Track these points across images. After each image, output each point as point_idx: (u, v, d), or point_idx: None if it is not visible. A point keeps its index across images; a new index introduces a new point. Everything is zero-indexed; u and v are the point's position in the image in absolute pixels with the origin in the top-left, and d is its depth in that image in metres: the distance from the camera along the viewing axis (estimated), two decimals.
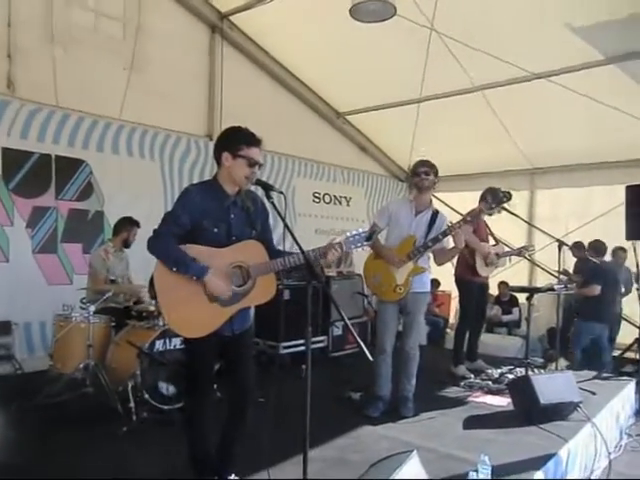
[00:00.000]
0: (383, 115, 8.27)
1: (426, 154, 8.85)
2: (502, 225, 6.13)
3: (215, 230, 2.58)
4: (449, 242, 4.22)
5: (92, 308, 4.23)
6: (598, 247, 6.33)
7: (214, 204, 2.60)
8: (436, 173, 4.25)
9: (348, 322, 2.40)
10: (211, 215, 2.58)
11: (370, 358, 2.31)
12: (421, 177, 4.19)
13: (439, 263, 4.39)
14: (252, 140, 2.59)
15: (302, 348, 5.29)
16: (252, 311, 2.91)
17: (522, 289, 7.10)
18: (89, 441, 3.57)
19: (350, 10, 4.97)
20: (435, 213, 4.30)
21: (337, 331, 6.33)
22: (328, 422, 3.72)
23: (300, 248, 2.48)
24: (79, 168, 5.76)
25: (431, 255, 4.33)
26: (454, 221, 4.20)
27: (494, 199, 4.70)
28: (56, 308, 4.76)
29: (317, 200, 8.54)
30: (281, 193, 2.60)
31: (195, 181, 6.59)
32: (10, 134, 5.26)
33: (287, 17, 6.43)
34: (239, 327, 2.71)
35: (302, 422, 2.38)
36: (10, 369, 5.10)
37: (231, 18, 6.94)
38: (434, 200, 9.02)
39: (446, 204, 8.91)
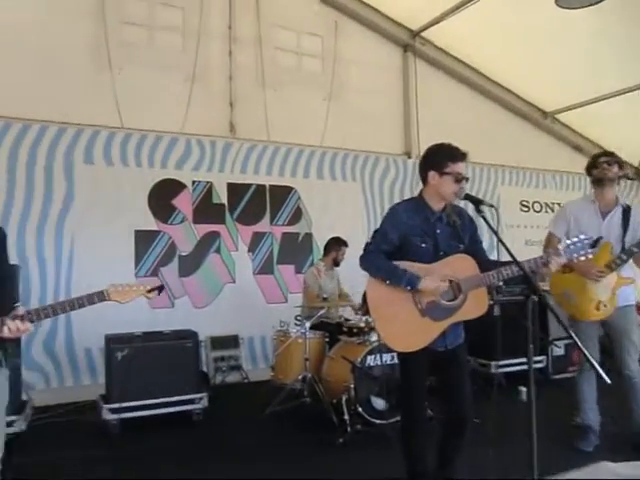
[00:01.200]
0: (602, 108, 7.35)
1: None
2: None
3: (423, 245, 2.60)
4: None
5: (308, 324, 4.50)
6: None
7: (420, 220, 2.63)
8: (620, 164, 3.53)
9: (578, 341, 2.20)
10: (418, 231, 2.61)
11: (607, 381, 2.10)
12: (602, 167, 3.50)
13: None
14: (457, 155, 2.58)
15: (518, 368, 4.84)
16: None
17: None
18: (312, 447, 3.79)
19: None
20: (627, 209, 3.53)
21: (558, 351, 5.64)
22: (555, 451, 3.28)
23: (515, 260, 2.35)
24: (289, 195, 6.34)
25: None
26: None
27: None
28: (274, 324, 5.14)
29: (525, 209, 7.94)
30: (492, 206, 2.51)
31: (395, 199, 6.88)
32: (233, 171, 6.05)
33: (481, 22, 6.22)
34: (452, 342, 2.67)
35: (529, 447, 2.15)
36: (239, 378, 5.72)
37: (422, 34, 6.99)
38: None
39: None
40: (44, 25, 5.15)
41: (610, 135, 8.30)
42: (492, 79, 7.60)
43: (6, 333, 1.87)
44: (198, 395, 4.35)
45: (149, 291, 2.19)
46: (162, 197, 5.67)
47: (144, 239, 5.57)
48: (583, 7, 4.63)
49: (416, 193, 2.85)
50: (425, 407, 2.72)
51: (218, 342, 5.67)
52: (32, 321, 1.92)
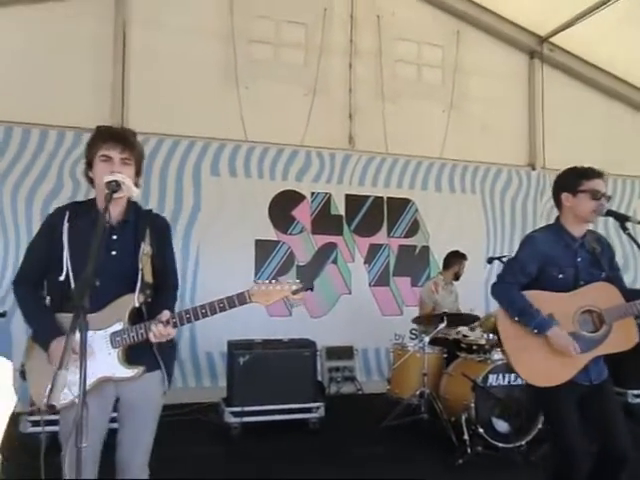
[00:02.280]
0: None
1: None
2: None
3: (560, 276, 2.45)
4: None
5: (427, 339, 4.40)
6: None
7: (560, 249, 2.48)
8: None
9: None
10: (557, 261, 2.46)
11: None
12: None
13: None
14: (591, 173, 2.45)
15: None
16: None
17: None
18: (429, 465, 3.70)
19: None
20: None
21: None
22: None
23: None
24: (407, 207, 6.28)
25: None
26: None
27: None
28: (389, 337, 5.11)
29: None
30: (639, 223, 2.34)
31: (517, 212, 6.57)
32: (351, 182, 6.12)
33: (614, 24, 5.84)
34: (597, 377, 2.43)
35: None
36: (353, 389, 5.71)
37: (552, 40, 6.66)
38: None
39: None
40: (179, 47, 5.57)
41: None
42: (629, 82, 7.06)
43: (152, 338, 1.91)
44: (315, 404, 4.41)
45: (295, 292, 1.96)
46: (282, 208, 5.88)
47: (264, 248, 5.79)
48: None
49: (540, 206, 2.69)
50: (585, 443, 2.38)
51: (333, 352, 5.72)
52: (175, 325, 1.92)
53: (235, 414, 4.20)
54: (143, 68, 5.51)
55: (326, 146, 6.03)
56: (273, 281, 1.96)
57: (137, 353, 1.95)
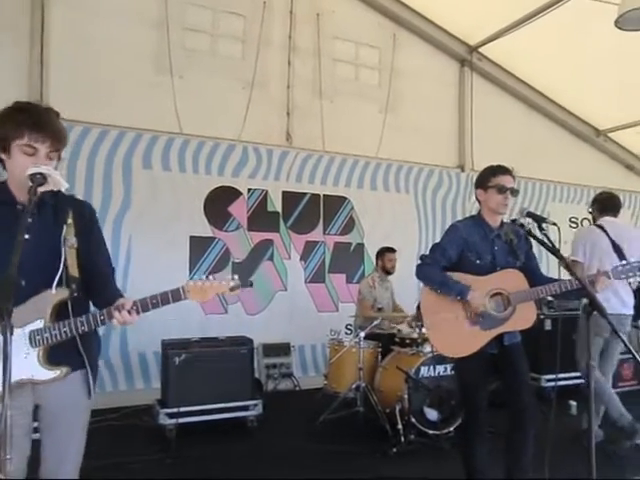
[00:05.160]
0: None
1: None
2: None
3: (478, 262, 2.74)
4: None
5: (362, 334, 4.49)
6: None
7: (479, 238, 2.78)
8: None
9: (638, 357, 2.29)
10: (476, 248, 2.76)
11: None
12: None
13: None
14: (498, 170, 2.76)
15: (569, 382, 4.73)
16: None
17: None
18: (366, 456, 3.79)
19: (616, 21, 4.55)
20: None
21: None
22: (609, 465, 3.32)
23: (575, 276, 2.47)
24: (343, 205, 6.37)
25: None
26: None
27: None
28: (324, 333, 5.16)
29: (574, 225, 7.76)
30: (554, 224, 2.60)
31: (448, 211, 6.85)
32: (288, 179, 6.11)
33: (538, 40, 6.22)
34: (509, 340, 2.77)
35: (587, 459, 2.20)
36: (290, 385, 5.74)
37: (480, 50, 6.99)
38: None
39: None
40: (108, 31, 5.29)
41: None
42: (546, 95, 7.57)
43: (114, 323, 1.76)
44: (253, 402, 4.38)
45: (232, 289, 1.86)
46: (218, 204, 5.77)
47: (199, 245, 5.66)
48: None
49: (468, 206, 2.99)
50: (485, 409, 2.75)
51: (270, 349, 5.71)
52: (138, 313, 1.78)
53: (170, 415, 4.08)
54: (66, 49, 5.13)
55: (263, 142, 5.98)
56: (210, 277, 1.86)
57: (60, 352, 1.76)
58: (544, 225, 2.62)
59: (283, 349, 5.78)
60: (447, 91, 7.07)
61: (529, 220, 2.69)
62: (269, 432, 4.30)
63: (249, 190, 5.92)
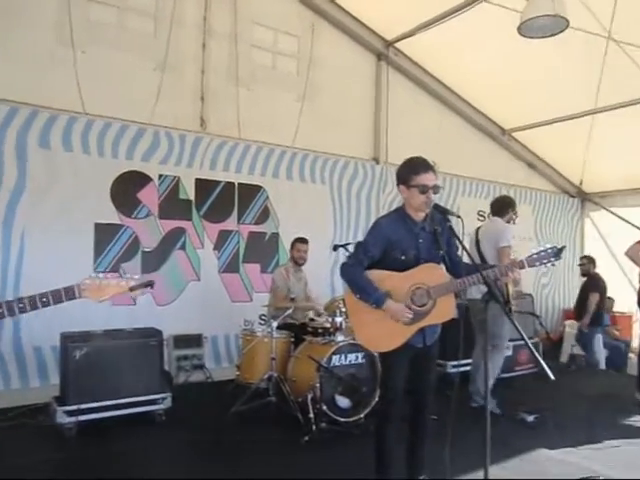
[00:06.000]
0: (553, 130, 7.86)
1: (602, 167, 8.24)
2: None
3: (403, 258, 2.77)
4: None
5: (275, 324, 4.48)
6: None
7: (403, 233, 2.79)
8: None
9: (529, 342, 2.43)
10: (400, 244, 2.77)
11: (552, 377, 2.35)
12: None
13: None
14: (419, 168, 2.73)
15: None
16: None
17: None
18: (277, 446, 3.81)
19: (519, 28, 4.87)
20: None
21: (507, 352, 5.94)
22: (500, 443, 3.54)
23: (477, 268, 2.59)
24: (258, 194, 6.27)
25: None
26: None
27: None
28: (238, 323, 5.11)
29: (482, 219, 8.19)
30: (457, 216, 2.73)
31: (362, 203, 6.97)
32: (202, 166, 5.92)
33: (451, 39, 6.43)
34: (430, 339, 2.89)
35: (482, 439, 2.39)
36: (202, 377, 5.60)
37: (396, 45, 7.14)
38: (611, 217, 8.33)
39: (626, 220, 8.33)
40: None
41: (557, 156, 8.88)
42: (458, 94, 7.87)
43: None
44: (161, 395, 4.25)
45: (133, 288, 1.82)
46: (126, 189, 5.45)
47: (105, 233, 5.33)
48: (545, 37, 4.95)
49: (382, 198, 3.02)
50: (400, 399, 2.87)
51: (181, 341, 5.53)
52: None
53: (70, 413, 3.85)
54: None
55: (176, 127, 5.73)
56: (109, 275, 1.80)
57: None
58: (448, 217, 2.76)
59: (195, 340, 5.62)
60: (364, 84, 7.15)
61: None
62: (179, 425, 4.18)
63: (160, 176, 5.66)
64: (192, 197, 5.85)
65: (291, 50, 6.58)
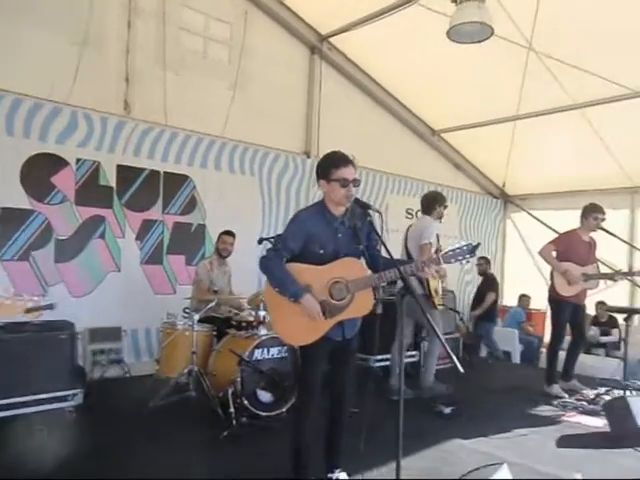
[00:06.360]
0: (479, 133, 8.18)
1: (524, 171, 8.68)
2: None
3: (321, 252, 2.76)
4: None
5: (196, 317, 4.36)
6: None
7: (323, 227, 2.78)
8: None
9: (441, 336, 2.55)
10: (319, 238, 2.76)
11: (462, 370, 2.45)
12: None
13: None
14: (340, 162, 2.74)
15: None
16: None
17: (619, 309, 6.89)
18: (195, 442, 3.69)
19: (447, 32, 5.01)
20: None
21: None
22: (418, 434, 3.74)
23: (395, 264, 2.62)
24: (184, 183, 6.06)
25: None
26: None
27: None
28: (161, 316, 4.92)
29: (409, 216, 8.41)
30: (378, 212, 2.75)
31: (292, 196, 6.92)
32: (125, 152, 5.64)
33: (385, 38, 6.52)
34: (350, 333, 2.90)
35: (396, 431, 2.42)
36: (120, 372, 5.37)
37: (330, 40, 7.14)
38: (531, 218, 8.85)
39: (543, 223, 8.74)
40: None
41: (482, 158, 9.28)
42: (389, 92, 7.99)
43: None
44: (71, 392, 4.00)
45: (30, 310, 1.68)
46: (38, 173, 5.09)
47: (13, 219, 4.96)
48: (473, 43, 5.14)
49: (312, 192, 2.98)
50: (318, 391, 2.87)
51: (98, 334, 5.27)
52: None
53: None
54: None
55: (97, 108, 5.40)
56: (7, 294, 1.63)
57: None
58: (369, 212, 2.75)
59: (113, 334, 5.37)
60: (297, 76, 7.09)
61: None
62: (91, 422, 3.97)
63: (78, 160, 5.33)
64: (113, 184, 5.56)
65: (223, 36, 6.39)
